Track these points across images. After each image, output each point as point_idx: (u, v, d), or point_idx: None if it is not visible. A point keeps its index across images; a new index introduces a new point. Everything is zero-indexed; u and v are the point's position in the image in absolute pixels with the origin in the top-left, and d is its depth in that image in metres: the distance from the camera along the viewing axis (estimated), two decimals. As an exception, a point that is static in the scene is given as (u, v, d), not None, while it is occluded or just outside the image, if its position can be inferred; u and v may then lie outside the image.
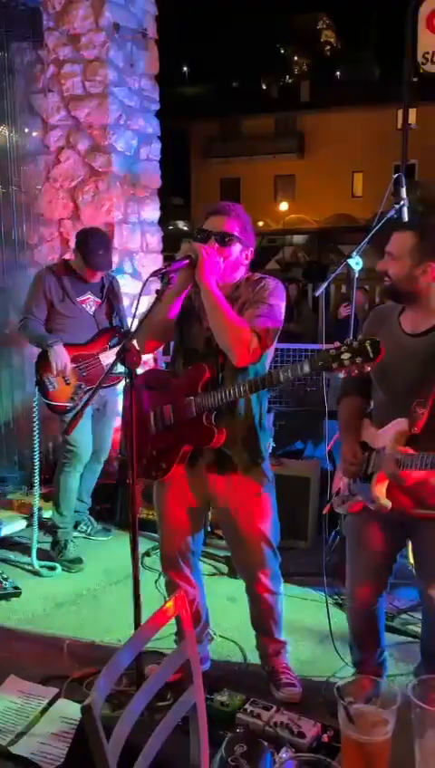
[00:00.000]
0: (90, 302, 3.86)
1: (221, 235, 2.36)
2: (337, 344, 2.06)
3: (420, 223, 2.25)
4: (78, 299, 3.81)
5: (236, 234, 2.37)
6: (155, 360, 5.12)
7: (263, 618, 2.63)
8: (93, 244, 3.73)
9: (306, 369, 2.15)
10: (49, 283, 3.77)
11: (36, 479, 3.79)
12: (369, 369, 2.02)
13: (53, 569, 3.71)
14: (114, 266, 4.83)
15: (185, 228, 21.21)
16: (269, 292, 2.38)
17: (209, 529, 3.63)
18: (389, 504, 2.20)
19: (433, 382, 2.12)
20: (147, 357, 3.55)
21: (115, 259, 4.92)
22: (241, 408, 2.43)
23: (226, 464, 2.46)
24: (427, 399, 2.13)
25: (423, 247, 2.12)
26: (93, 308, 3.87)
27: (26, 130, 5.05)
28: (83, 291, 3.84)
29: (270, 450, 2.68)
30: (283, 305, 2.40)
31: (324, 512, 2.49)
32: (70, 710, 2.22)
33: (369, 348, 1.99)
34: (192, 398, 2.39)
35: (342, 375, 2.09)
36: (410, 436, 2.15)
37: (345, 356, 2.02)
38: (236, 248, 2.39)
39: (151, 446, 2.52)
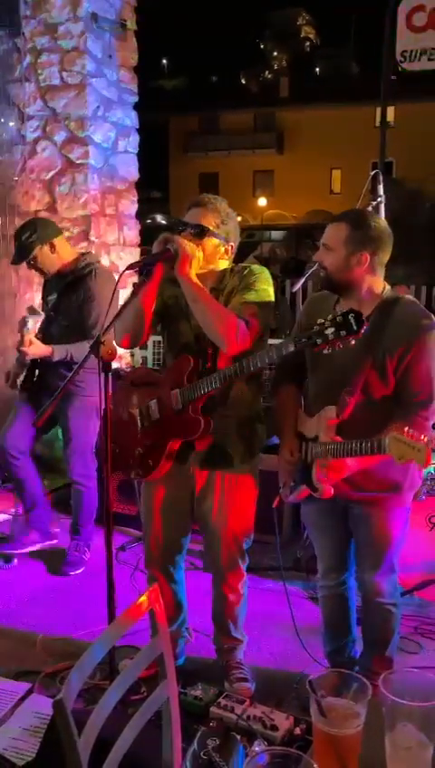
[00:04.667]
0: (53, 300, 3.65)
1: (196, 227, 2.34)
2: (319, 320, 2.05)
3: (351, 214, 2.28)
4: (48, 298, 3.68)
5: (211, 227, 2.34)
6: (132, 354, 5.10)
7: (223, 615, 2.65)
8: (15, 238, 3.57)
9: (290, 348, 2.12)
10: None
11: None
12: (354, 342, 2.02)
13: (8, 560, 3.72)
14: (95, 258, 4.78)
15: (163, 222, 21.10)
16: (256, 278, 2.37)
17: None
18: (330, 491, 2.25)
19: (361, 371, 2.17)
20: (122, 351, 3.50)
21: (92, 252, 4.88)
22: (233, 398, 2.40)
23: (220, 457, 2.43)
24: (355, 388, 2.18)
25: (356, 237, 2.17)
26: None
27: (2, 120, 4.99)
28: (50, 290, 3.67)
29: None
30: (271, 290, 2.39)
31: (274, 505, 2.51)
32: (42, 705, 2.21)
33: (352, 320, 1.98)
34: (177, 390, 2.37)
35: (326, 351, 2.08)
36: (339, 423, 2.20)
37: (329, 330, 2.00)
38: (213, 242, 2.36)
39: (138, 444, 2.49)
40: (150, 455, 2.45)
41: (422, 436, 1.95)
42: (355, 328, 1.98)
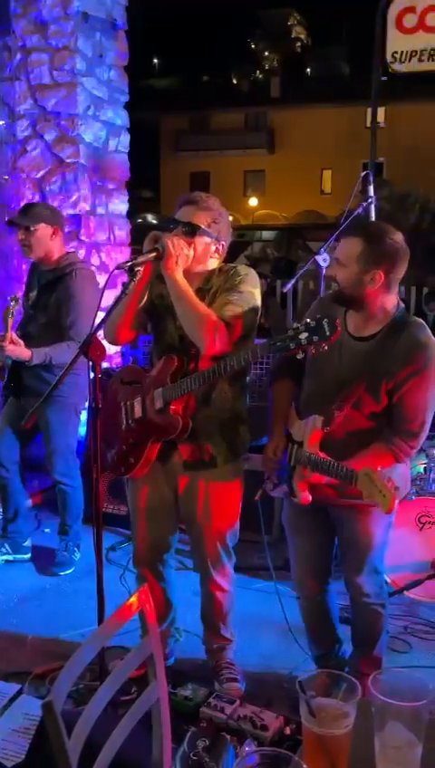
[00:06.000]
0: (33, 296, 3.58)
1: (187, 225, 2.33)
2: (295, 325, 2.04)
3: (367, 229, 2.22)
4: (30, 294, 3.61)
5: (203, 226, 2.33)
6: (122, 354, 5.09)
7: (212, 614, 2.65)
8: None
9: (266, 351, 2.13)
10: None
11: None
12: (326, 347, 2.00)
13: None
14: (81, 257, 4.77)
15: (154, 221, 21.05)
16: (241, 280, 2.35)
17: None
18: (308, 498, 2.25)
19: (356, 387, 2.15)
20: (112, 351, 3.48)
21: (82, 251, 4.87)
22: (216, 399, 2.40)
23: (204, 457, 2.42)
24: (344, 403, 2.16)
25: (370, 254, 2.09)
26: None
27: (-8, 119, 4.97)
28: (32, 286, 3.60)
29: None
30: (256, 292, 2.37)
31: (256, 498, 2.50)
32: (32, 706, 2.20)
33: (326, 326, 1.97)
34: (159, 389, 2.37)
35: (299, 356, 2.07)
36: (325, 437, 2.19)
37: (303, 335, 1.99)
38: (204, 240, 2.34)
39: (121, 441, 2.49)
40: (133, 452, 2.46)
41: (388, 482, 1.94)
42: (328, 334, 1.96)
